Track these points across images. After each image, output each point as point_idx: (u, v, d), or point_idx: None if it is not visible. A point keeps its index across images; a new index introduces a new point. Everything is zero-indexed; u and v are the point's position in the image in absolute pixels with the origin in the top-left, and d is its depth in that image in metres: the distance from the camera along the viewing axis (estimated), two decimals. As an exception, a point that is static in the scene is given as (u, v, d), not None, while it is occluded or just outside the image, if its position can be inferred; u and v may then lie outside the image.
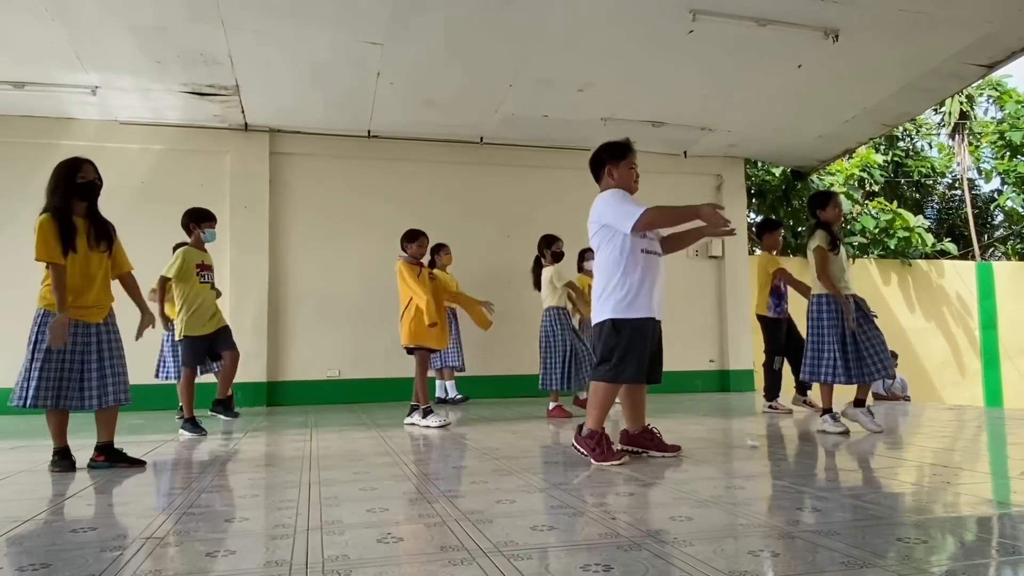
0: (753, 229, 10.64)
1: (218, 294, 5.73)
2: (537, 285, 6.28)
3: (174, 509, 2.65)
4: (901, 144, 17.53)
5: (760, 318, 6.38)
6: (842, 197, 11.75)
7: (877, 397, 8.12)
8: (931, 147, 18.88)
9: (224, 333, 5.38)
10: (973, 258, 16.63)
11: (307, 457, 3.93)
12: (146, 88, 7.12)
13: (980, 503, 2.62)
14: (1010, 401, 12.28)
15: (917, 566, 1.80)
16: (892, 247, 13.10)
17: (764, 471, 3.44)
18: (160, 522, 2.44)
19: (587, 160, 3.84)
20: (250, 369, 7.76)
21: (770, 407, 6.25)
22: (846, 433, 4.51)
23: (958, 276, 12.82)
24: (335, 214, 8.47)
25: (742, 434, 4.89)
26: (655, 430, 3.79)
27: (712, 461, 3.66)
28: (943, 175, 18.84)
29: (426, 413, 5.45)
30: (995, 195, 18.95)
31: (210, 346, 5.33)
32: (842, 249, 4.78)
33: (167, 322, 5.49)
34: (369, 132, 8.53)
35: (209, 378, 6.17)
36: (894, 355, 8.60)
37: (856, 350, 4.52)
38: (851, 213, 13.55)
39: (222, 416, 5.59)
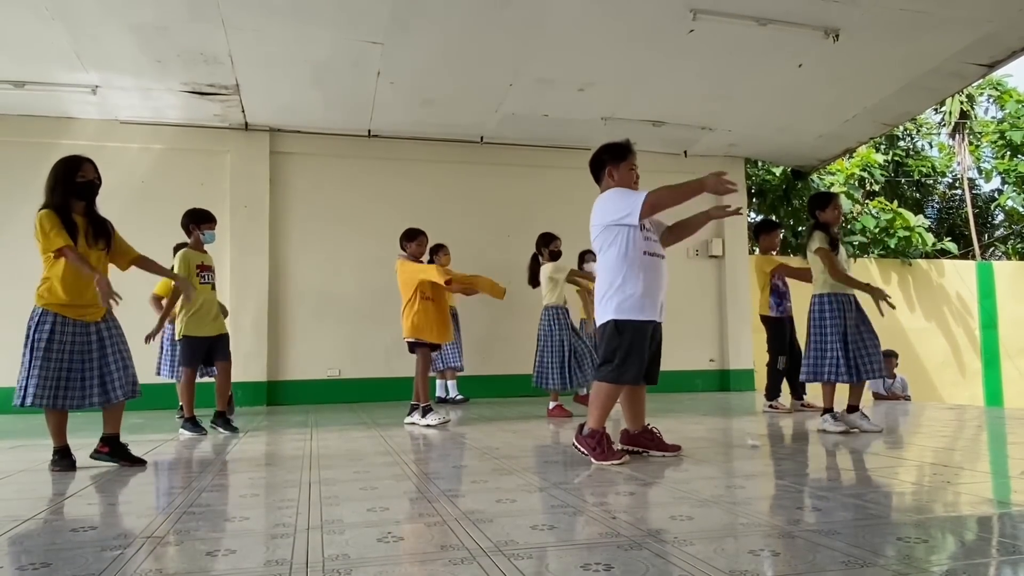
0: (752, 230, 10.63)
1: (225, 313, 5.71)
2: (532, 280, 6.28)
3: (174, 508, 2.65)
4: (902, 143, 17.53)
5: (763, 318, 6.37)
6: (842, 197, 11.77)
7: (877, 397, 8.11)
8: (931, 146, 18.90)
9: (222, 341, 5.35)
10: (973, 258, 16.62)
11: (307, 456, 3.93)
12: (146, 87, 7.12)
13: (980, 502, 2.62)
14: (1010, 401, 12.28)
15: (917, 565, 1.80)
16: (892, 246, 13.10)
17: (764, 470, 3.44)
18: (160, 521, 2.44)
19: (587, 160, 3.84)
20: (250, 369, 7.77)
21: (770, 407, 6.25)
22: (847, 433, 4.51)
23: (958, 276, 12.81)
24: (335, 213, 8.47)
25: (742, 433, 4.89)
26: (655, 430, 3.79)
27: (712, 460, 3.66)
28: (943, 175, 18.84)
29: (426, 411, 5.45)
30: (995, 195, 18.96)
31: (208, 350, 5.31)
32: (842, 249, 4.79)
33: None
34: (369, 131, 8.53)
35: (210, 379, 6.16)
36: (895, 355, 8.62)
37: (855, 348, 4.53)
38: (851, 212, 13.55)
39: (221, 430, 5.54)
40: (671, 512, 2.44)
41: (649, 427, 3.79)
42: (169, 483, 3.39)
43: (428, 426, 5.37)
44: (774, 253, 6.61)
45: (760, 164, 12.33)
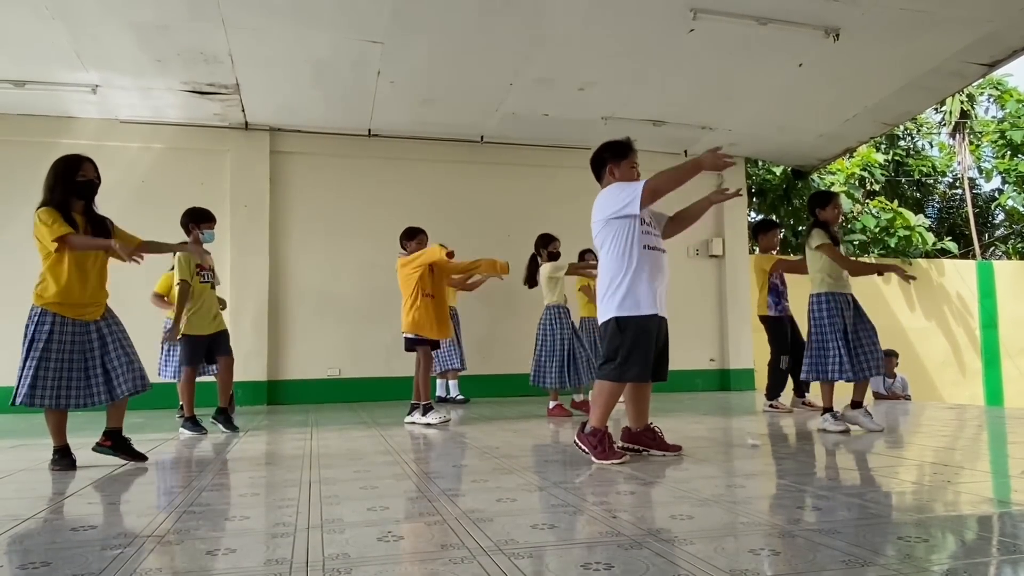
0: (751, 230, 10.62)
1: (224, 305, 5.71)
2: (529, 281, 6.27)
3: (175, 508, 2.65)
4: (902, 143, 17.53)
5: (762, 318, 6.37)
6: (843, 197, 11.77)
7: (877, 396, 8.11)
8: (932, 146, 18.90)
9: (222, 337, 5.36)
10: (974, 257, 16.62)
11: (307, 456, 3.93)
12: (146, 87, 7.12)
13: (980, 502, 2.62)
14: (1011, 400, 12.28)
15: (918, 565, 1.80)
16: (893, 246, 13.10)
17: (765, 470, 3.44)
18: (160, 520, 2.44)
19: (588, 159, 3.83)
20: (250, 368, 7.77)
21: (771, 406, 6.24)
22: (847, 432, 4.51)
23: (959, 275, 12.81)
24: (335, 213, 8.47)
25: (743, 433, 4.89)
26: (657, 429, 3.79)
27: (713, 460, 3.65)
28: (944, 174, 18.84)
29: (426, 410, 5.45)
30: (996, 194, 18.96)
31: (208, 348, 5.32)
32: (841, 248, 4.79)
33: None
34: (369, 131, 8.53)
35: (210, 377, 6.16)
36: (895, 354, 8.62)
37: (855, 347, 4.53)
38: (852, 212, 13.55)
39: (221, 428, 5.54)
40: (671, 511, 2.44)
41: (651, 426, 3.78)
42: (169, 482, 3.39)
43: (428, 425, 5.37)
44: (774, 253, 6.60)
45: (760, 164, 12.33)
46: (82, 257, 3.57)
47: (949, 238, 16.16)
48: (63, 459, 3.62)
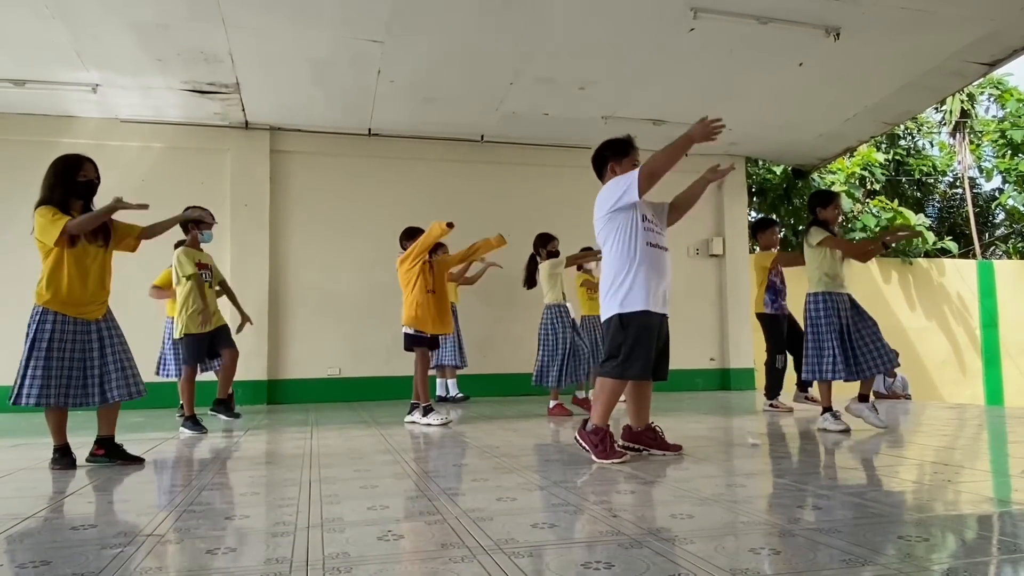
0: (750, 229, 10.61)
1: (219, 293, 5.73)
2: (528, 281, 6.28)
3: (175, 507, 2.65)
4: (902, 142, 17.51)
5: (759, 316, 6.37)
6: (843, 196, 11.76)
7: (878, 396, 8.11)
8: (932, 145, 18.88)
9: (223, 331, 5.39)
10: (974, 257, 16.62)
11: (307, 455, 3.93)
12: (147, 86, 7.12)
13: (981, 501, 2.62)
14: (1011, 400, 12.28)
15: (918, 564, 1.80)
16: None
17: (765, 469, 3.44)
18: (161, 519, 2.44)
19: (588, 158, 3.84)
20: (250, 367, 7.76)
21: (771, 405, 6.24)
22: (847, 431, 4.50)
23: (959, 275, 12.81)
24: (335, 212, 8.47)
25: (743, 432, 4.88)
26: (658, 428, 3.79)
27: (713, 459, 3.65)
28: (944, 174, 18.83)
29: (427, 411, 5.44)
30: (996, 194, 18.94)
31: (209, 344, 5.34)
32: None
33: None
34: (370, 130, 8.53)
35: (210, 376, 6.17)
36: (895, 354, 8.60)
37: (853, 347, 4.53)
38: (852, 211, 13.55)
39: (222, 416, 5.59)
40: (672, 510, 2.44)
41: (652, 425, 3.78)
42: (169, 481, 3.39)
43: (429, 425, 5.36)
44: (774, 251, 6.59)
45: (761, 163, 12.32)
46: (82, 255, 3.57)
47: (949, 238, 16.15)
48: (63, 458, 3.62)
